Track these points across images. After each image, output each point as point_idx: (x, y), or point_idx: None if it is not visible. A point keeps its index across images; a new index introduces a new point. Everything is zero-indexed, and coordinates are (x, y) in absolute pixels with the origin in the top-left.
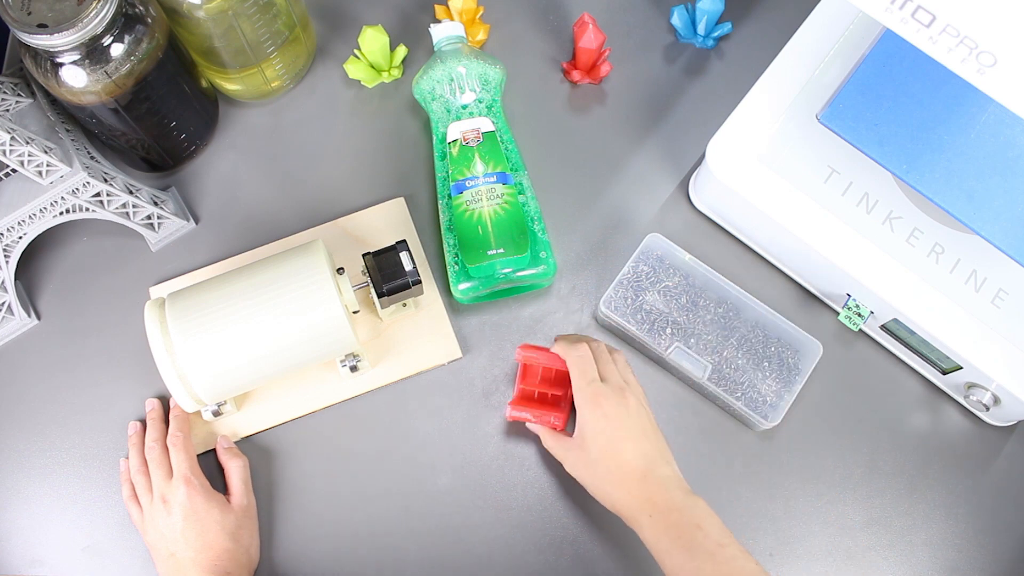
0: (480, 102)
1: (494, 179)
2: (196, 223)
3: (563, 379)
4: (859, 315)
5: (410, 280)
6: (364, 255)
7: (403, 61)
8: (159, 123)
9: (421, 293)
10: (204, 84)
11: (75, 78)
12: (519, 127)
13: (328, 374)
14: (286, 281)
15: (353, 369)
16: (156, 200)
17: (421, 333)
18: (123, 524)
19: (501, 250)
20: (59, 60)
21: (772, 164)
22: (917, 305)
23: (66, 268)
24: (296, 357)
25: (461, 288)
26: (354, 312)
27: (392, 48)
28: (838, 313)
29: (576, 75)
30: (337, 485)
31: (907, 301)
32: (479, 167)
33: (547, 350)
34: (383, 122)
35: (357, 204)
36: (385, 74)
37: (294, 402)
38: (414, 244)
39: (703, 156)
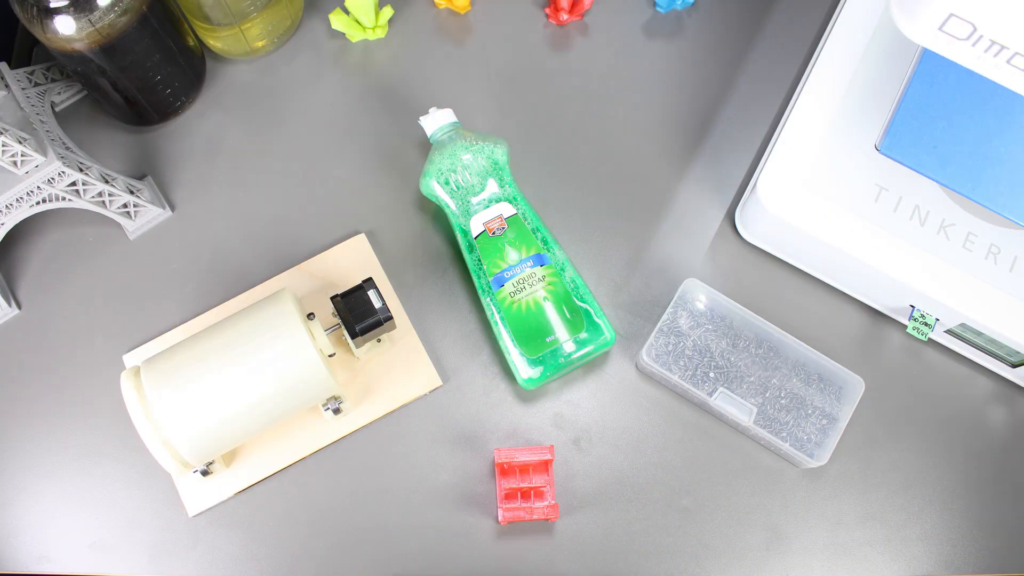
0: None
1: (531, 263)
2: (172, 211)
3: (540, 468)
4: (926, 324)
5: (381, 317)
6: (332, 298)
7: (388, 21)
8: (144, 76)
9: (394, 328)
10: (191, 42)
11: (62, 25)
12: (540, 181)
13: (313, 419)
14: (258, 334)
15: (336, 412)
16: (132, 189)
17: (399, 366)
18: (129, 519)
19: (560, 334)
20: (47, 5)
21: (821, 191)
22: (981, 307)
23: (45, 257)
24: (279, 408)
25: (526, 377)
26: (330, 355)
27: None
28: (905, 326)
29: (562, 15)
30: (338, 525)
31: (971, 304)
32: (512, 255)
33: (523, 448)
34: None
35: (319, 245)
36: (369, 32)
37: (283, 452)
38: (381, 278)
39: (746, 186)
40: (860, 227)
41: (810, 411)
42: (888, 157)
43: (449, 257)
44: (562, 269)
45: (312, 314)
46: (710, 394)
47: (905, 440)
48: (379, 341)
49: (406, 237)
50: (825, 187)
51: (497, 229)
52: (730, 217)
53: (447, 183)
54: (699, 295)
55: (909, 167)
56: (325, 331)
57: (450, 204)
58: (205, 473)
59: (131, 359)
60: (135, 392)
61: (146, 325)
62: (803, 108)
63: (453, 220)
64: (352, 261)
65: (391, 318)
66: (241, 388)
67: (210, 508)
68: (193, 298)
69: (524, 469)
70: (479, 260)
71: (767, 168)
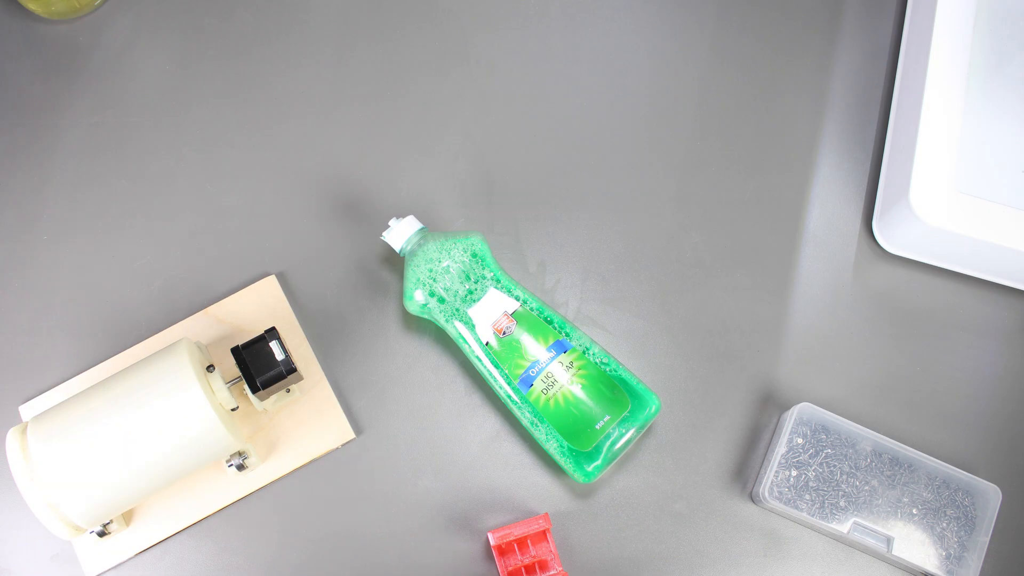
0: (487, 284)
1: (554, 354)
2: None
3: (538, 538)
4: None
5: (284, 370)
6: (232, 349)
7: None
8: None
9: (300, 379)
10: None
11: None
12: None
13: (218, 475)
14: (150, 390)
15: (240, 468)
16: None
17: (310, 419)
18: None
19: (607, 417)
20: None
21: (974, 191)
22: None
23: None
24: (176, 467)
25: (590, 470)
26: (232, 409)
27: None
28: None
29: None
30: None
31: None
32: (532, 350)
33: (517, 523)
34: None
35: (229, 287)
36: None
37: (186, 509)
38: (291, 324)
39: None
40: (1021, 218)
41: (945, 524)
42: None
43: (371, 292)
44: (586, 348)
45: (212, 366)
46: (845, 528)
47: None
48: (288, 391)
49: (325, 277)
50: (976, 186)
51: (507, 328)
52: (862, 228)
53: (432, 294)
54: (812, 416)
55: None
56: (227, 383)
57: (440, 317)
58: (102, 534)
59: (27, 411)
60: (20, 452)
61: (42, 375)
62: (932, 106)
63: (452, 333)
64: (261, 306)
65: (295, 370)
66: (133, 447)
67: (110, 569)
68: (93, 345)
69: (523, 544)
70: (496, 366)
71: (915, 177)
